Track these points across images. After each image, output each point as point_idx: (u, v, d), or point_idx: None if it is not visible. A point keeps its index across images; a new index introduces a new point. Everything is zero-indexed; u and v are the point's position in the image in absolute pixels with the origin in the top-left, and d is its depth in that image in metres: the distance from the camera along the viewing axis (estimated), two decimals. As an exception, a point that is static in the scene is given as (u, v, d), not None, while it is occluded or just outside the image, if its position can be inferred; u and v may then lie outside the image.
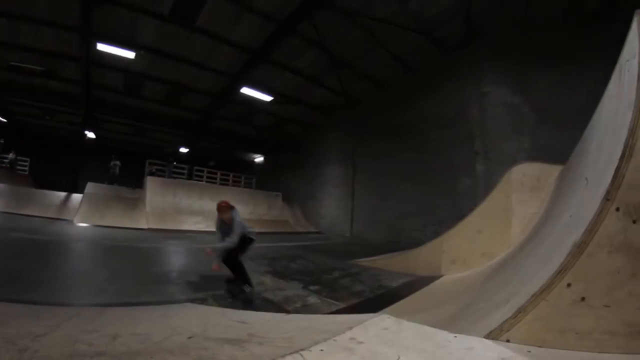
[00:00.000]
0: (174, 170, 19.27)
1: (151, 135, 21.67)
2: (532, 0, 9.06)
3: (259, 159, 26.26)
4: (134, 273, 5.86)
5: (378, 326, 1.95)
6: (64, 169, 21.83)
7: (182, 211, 15.12)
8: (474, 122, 10.92)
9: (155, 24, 10.62)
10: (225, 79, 14.14)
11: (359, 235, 14.94)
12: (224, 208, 4.91)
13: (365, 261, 8.05)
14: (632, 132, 1.85)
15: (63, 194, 15.73)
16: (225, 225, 4.94)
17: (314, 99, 16.05)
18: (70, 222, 12.66)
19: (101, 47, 10.79)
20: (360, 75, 13.88)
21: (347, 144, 16.64)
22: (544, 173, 5.51)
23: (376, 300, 4.85)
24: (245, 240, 4.90)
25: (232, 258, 4.81)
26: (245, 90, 13.96)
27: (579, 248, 1.81)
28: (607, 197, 1.82)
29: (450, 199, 11.24)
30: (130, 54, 11.27)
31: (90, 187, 15.02)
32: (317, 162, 18.93)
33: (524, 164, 6.10)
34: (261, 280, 5.68)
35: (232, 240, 4.69)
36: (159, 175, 17.82)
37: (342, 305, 4.52)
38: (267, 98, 14.64)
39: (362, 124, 15.80)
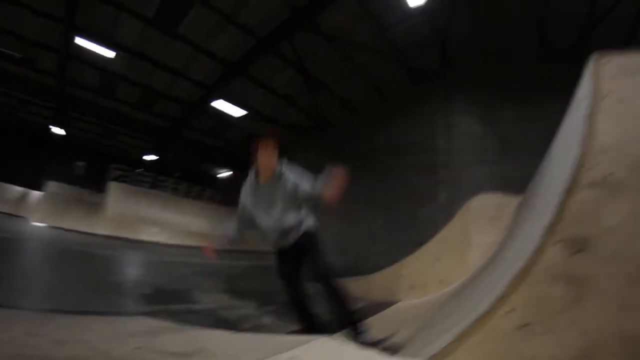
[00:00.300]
0: (139, 178, 18.72)
1: (120, 138, 20.97)
2: (506, 36, 9.71)
3: (226, 174, 25.81)
4: (87, 280, 5.63)
5: (322, 347, 1.93)
6: (26, 163, 20.77)
7: (142, 220, 14.63)
8: (439, 150, 11.24)
9: (138, 26, 10.48)
10: (201, 89, 13.99)
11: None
12: (268, 146, 2.81)
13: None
14: (577, 168, 1.94)
15: (22, 189, 14.98)
16: (259, 192, 2.80)
17: (288, 119, 16.07)
18: (26, 220, 12.05)
19: (82, 42, 10.51)
20: (334, 98, 14.08)
21: (315, 167, 16.49)
22: (503, 203, 5.65)
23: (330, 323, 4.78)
24: (307, 236, 2.76)
25: (321, 275, 2.77)
26: (219, 103, 13.83)
27: (523, 275, 1.86)
28: (551, 229, 1.89)
29: (411, 226, 11.35)
30: (110, 53, 11.04)
31: (51, 186, 14.41)
32: (284, 183, 18.67)
33: (485, 194, 6.26)
34: (217, 299, 5.55)
35: (305, 214, 2.51)
36: (122, 181, 17.26)
37: (296, 327, 4.44)
38: (241, 113, 14.53)
39: (332, 147, 15.74)
